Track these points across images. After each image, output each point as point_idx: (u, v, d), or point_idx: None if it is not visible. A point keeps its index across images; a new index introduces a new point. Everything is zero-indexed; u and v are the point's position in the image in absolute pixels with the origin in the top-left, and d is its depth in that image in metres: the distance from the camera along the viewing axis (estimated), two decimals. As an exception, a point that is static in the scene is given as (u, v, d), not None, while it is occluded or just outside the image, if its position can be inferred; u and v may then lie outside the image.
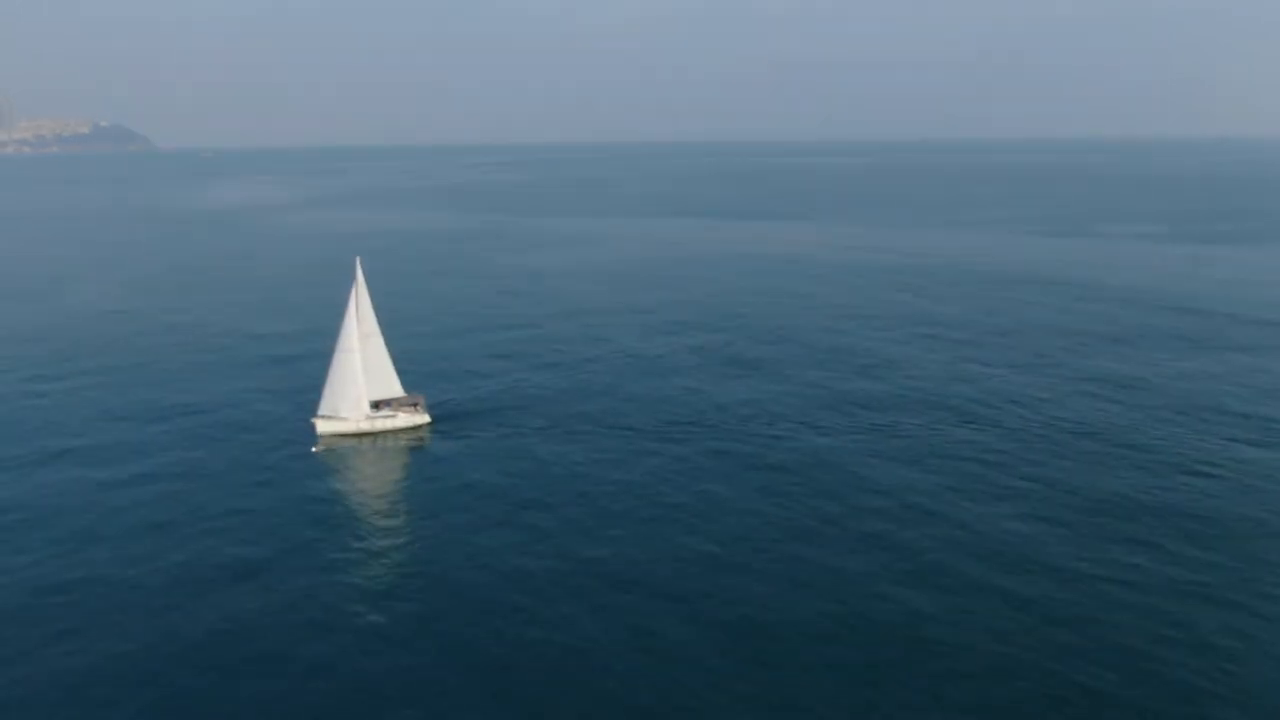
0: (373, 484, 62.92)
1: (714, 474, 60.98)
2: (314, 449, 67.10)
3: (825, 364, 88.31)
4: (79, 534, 53.27)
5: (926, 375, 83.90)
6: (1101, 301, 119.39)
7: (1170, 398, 76.33)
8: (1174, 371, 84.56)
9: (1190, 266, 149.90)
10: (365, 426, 70.03)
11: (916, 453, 64.22)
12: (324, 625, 43.29)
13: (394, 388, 72.19)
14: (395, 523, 55.36)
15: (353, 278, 70.15)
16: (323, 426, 69.61)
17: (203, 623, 43.53)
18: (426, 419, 71.83)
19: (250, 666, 40.11)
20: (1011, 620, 42.87)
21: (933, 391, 78.62)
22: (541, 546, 50.97)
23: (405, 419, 71.10)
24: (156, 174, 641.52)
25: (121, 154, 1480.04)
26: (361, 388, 70.01)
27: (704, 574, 47.67)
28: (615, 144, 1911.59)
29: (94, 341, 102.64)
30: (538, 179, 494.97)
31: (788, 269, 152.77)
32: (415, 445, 68.50)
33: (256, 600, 45.50)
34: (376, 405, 71.17)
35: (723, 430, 69.32)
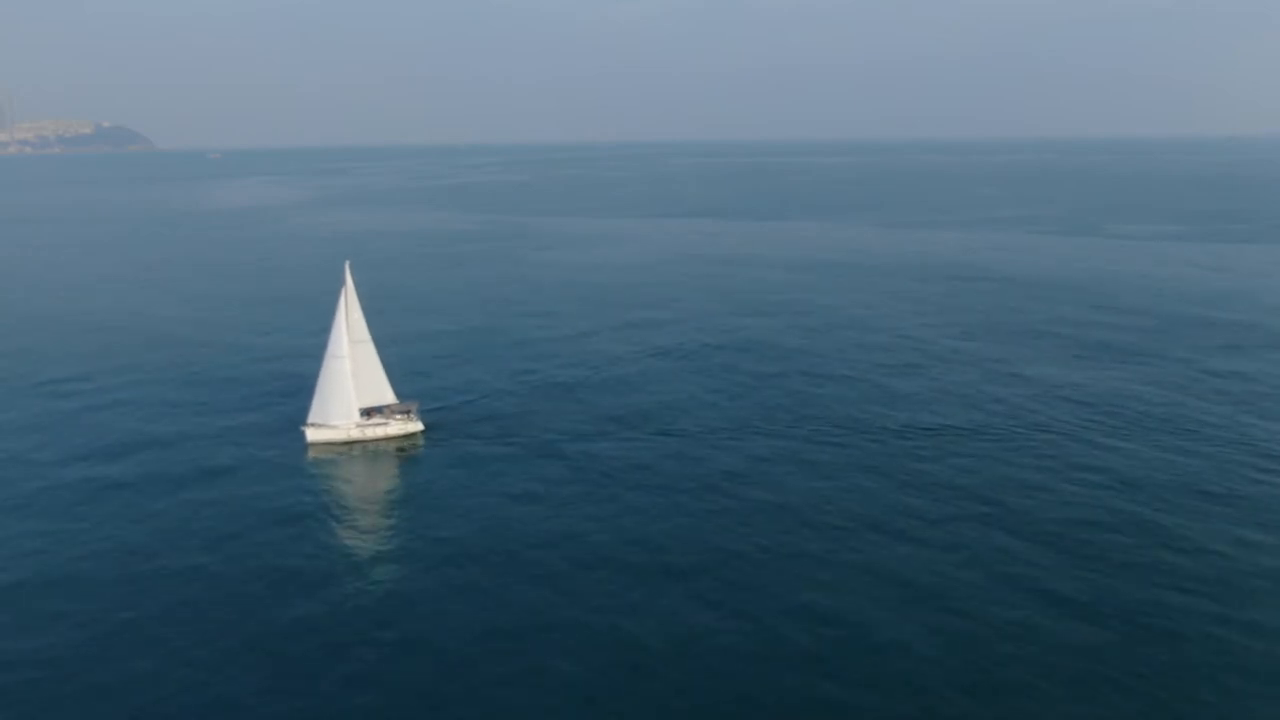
0: (361, 494, 61.46)
1: (712, 485, 59.69)
2: (304, 457, 65.74)
3: (841, 375, 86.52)
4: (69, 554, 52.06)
5: (950, 384, 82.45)
6: (1105, 309, 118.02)
7: (1204, 409, 75.02)
8: (1207, 379, 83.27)
9: (1189, 267, 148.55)
10: (355, 434, 68.71)
11: (946, 469, 62.77)
12: (305, 642, 42.05)
13: (386, 395, 70.78)
14: (380, 536, 54.02)
15: (342, 283, 68.88)
16: (312, 435, 68.29)
17: (181, 640, 42.31)
18: (419, 427, 70.42)
19: (224, 687, 38.87)
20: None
21: (955, 404, 77.33)
22: (532, 559, 49.67)
23: (397, 427, 69.73)
24: (163, 175, 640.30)
25: (123, 155, 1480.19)
26: (351, 395, 68.71)
27: (704, 597, 46.40)
28: (616, 144, 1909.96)
29: (87, 348, 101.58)
30: (538, 179, 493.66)
31: (789, 269, 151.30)
32: (407, 453, 67.12)
33: (230, 622, 44.26)
34: (368, 413, 69.86)
35: (718, 437, 68.04)
